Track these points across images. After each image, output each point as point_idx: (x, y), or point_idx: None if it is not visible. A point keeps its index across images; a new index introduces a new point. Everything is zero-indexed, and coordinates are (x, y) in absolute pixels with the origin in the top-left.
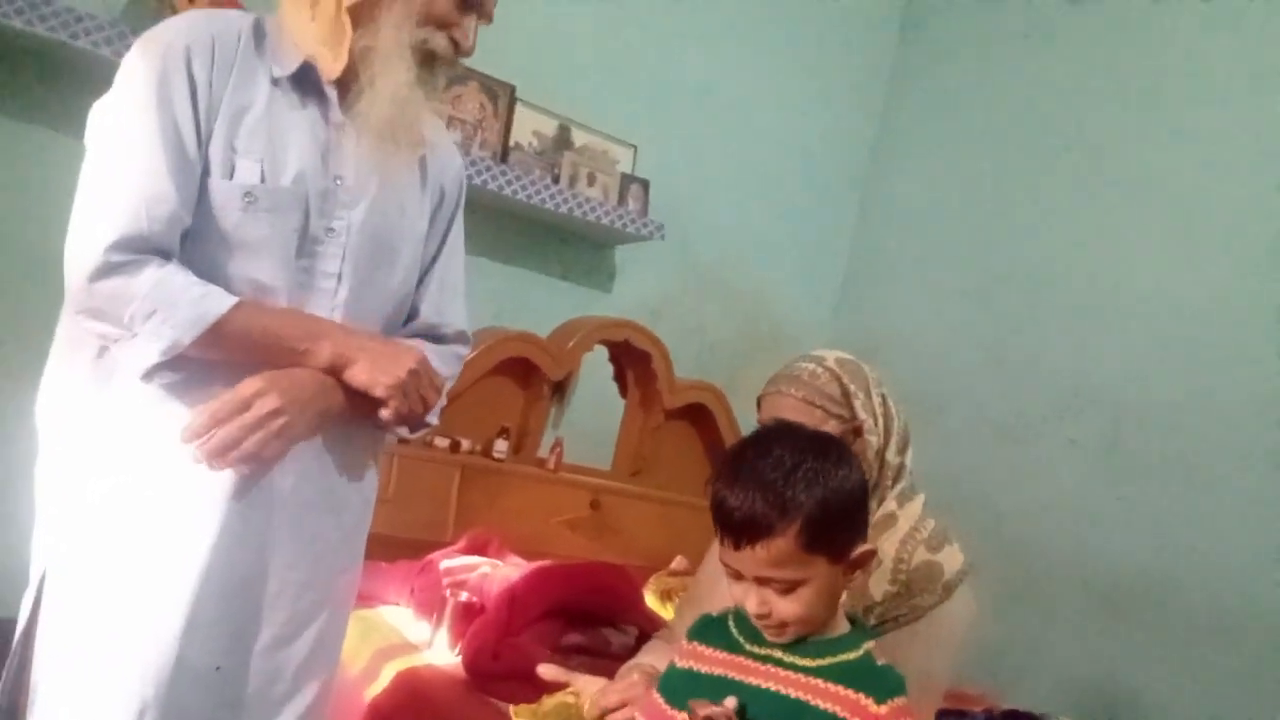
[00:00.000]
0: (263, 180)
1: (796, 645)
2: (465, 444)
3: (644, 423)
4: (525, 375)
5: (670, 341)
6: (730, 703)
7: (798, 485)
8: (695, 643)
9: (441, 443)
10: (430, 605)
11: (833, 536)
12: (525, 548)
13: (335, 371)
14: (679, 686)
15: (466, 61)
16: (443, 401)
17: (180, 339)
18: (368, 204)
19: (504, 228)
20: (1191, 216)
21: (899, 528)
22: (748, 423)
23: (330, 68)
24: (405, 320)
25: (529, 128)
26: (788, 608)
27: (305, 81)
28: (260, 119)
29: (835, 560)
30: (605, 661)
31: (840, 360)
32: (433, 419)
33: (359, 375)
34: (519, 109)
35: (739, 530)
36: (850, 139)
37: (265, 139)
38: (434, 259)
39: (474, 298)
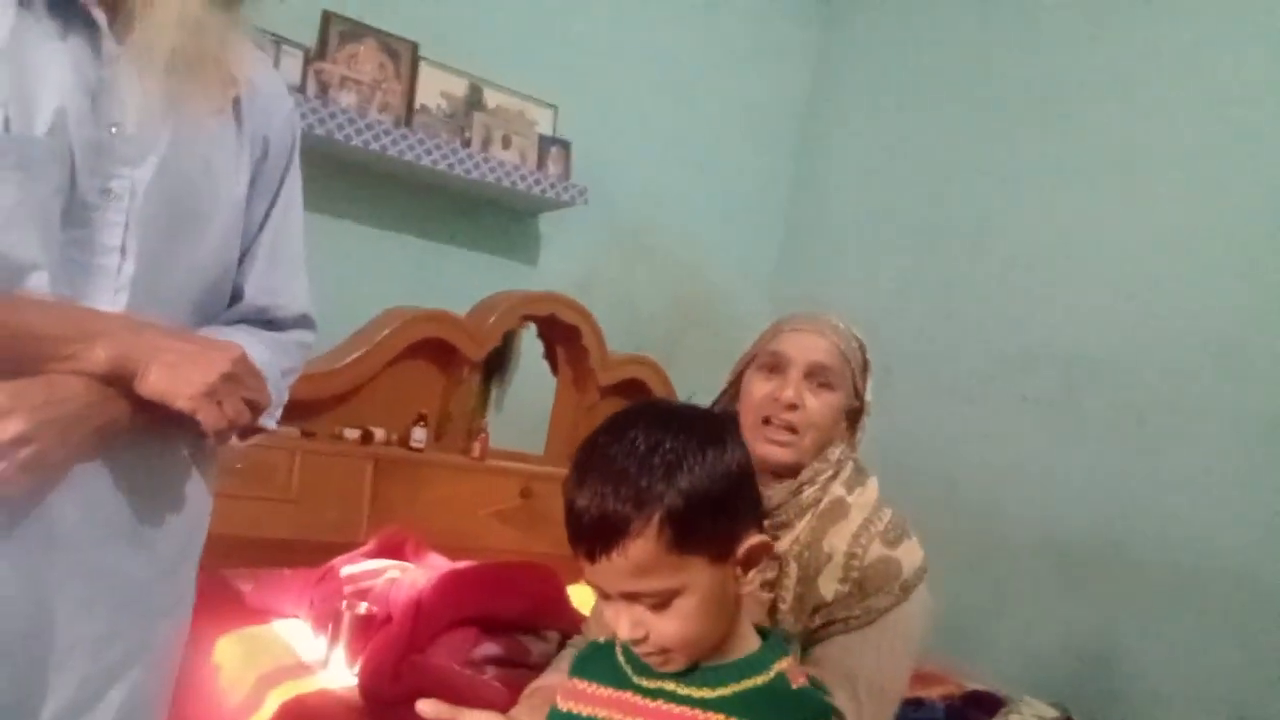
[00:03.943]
0: (6, 129)
1: (692, 673)
2: (379, 434)
3: (578, 402)
4: (444, 357)
5: (601, 314)
6: None
7: (655, 471)
8: (577, 679)
9: (351, 434)
10: (328, 618)
11: (706, 529)
12: (449, 544)
13: (119, 379)
14: None
15: (363, 17)
16: (283, 399)
17: None
18: (159, 159)
19: (412, 197)
20: (1141, 167)
21: (851, 519)
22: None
23: None
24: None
25: (436, 88)
26: (665, 627)
27: (65, 4)
28: (2, 52)
29: (717, 559)
30: (522, 673)
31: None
32: (269, 422)
33: (153, 384)
34: (424, 68)
35: (590, 536)
36: (783, 93)
37: (10, 77)
38: (260, 227)
39: (383, 275)
